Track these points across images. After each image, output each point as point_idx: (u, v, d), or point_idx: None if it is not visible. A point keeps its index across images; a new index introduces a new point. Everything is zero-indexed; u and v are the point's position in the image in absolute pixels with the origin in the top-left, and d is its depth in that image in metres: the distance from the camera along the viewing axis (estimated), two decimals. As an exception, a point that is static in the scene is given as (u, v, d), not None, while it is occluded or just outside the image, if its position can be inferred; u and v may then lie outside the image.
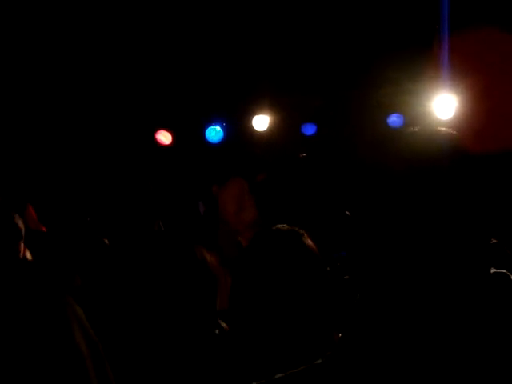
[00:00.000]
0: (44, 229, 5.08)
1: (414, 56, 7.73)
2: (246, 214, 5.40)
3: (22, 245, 2.67)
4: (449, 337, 1.12)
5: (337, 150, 8.38)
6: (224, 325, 2.18)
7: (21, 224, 2.52)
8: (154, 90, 8.53)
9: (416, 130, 1.29)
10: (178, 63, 8.50)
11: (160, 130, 8.71)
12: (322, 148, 8.50)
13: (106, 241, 3.28)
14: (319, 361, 1.19)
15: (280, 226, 2.07)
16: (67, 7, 7.87)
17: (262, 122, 8.54)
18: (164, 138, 8.74)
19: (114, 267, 2.42)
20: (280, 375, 1.21)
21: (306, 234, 2.02)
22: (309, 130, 8.71)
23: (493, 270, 1.19)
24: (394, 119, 8.14)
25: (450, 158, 1.21)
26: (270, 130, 8.56)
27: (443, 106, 7.71)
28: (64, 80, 8.12)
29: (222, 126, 8.66)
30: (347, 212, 4.54)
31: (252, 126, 8.56)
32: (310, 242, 2.00)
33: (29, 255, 2.52)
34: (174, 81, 8.52)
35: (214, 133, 8.67)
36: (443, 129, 1.30)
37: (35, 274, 1.61)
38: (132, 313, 2.04)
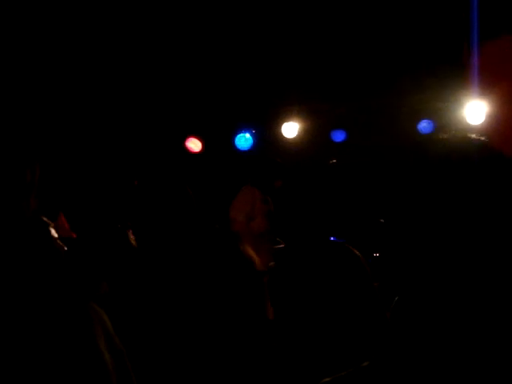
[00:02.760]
0: (75, 236, 5.14)
1: (444, 63, 7.71)
2: (255, 223, 5.37)
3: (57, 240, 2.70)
4: (485, 341, 1.13)
5: (366, 157, 8.36)
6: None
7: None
8: (184, 98, 8.58)
9: (446, 136, 1.30)
10: (210, 72, 8.55)
11: (190, 137, 8.77)
12: (351, 155, 8.49)
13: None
14: (365, 363, 1.21)
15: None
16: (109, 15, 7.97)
17: (291, 129, 8.54)
18: (194, 145, 8.79)
19: (154, 271, 2.44)
20: (327, 379, 1.22)
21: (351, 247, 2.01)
22: (338, 136, 8.70)
23: None
24: (424, 125, 8.10)
25: (480, 165, 1.23)
26: (300, 137, 8.56)
27: (474, 112, 7.67)
28: (97, 89, 8.21)
29: (251, 134, 8.68)
30: (381, 220, 4.55)
31: (281, 133, 8.57)
32: (358, 253, 1.99)
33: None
34: (204, 89, 8.58)
35: (244, 140, 8.69)
36: (473, 135, 1.31)
37: (63, 276, 1.63)
38: (175, 315, 2.05)
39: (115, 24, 8.09)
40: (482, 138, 1.29)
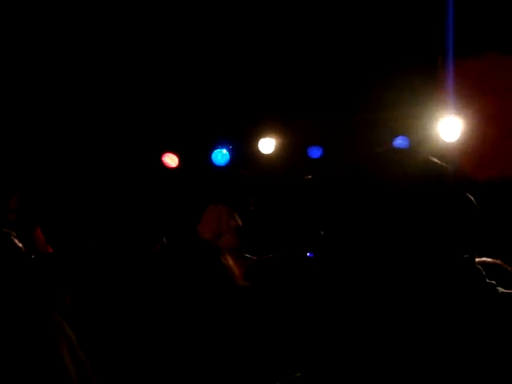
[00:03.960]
0: (51, 250, 5.09)
1: (419, 78, 7.76)
2: (224, 239, 5.38)
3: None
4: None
5: (342, 173, 8.38)
6: None
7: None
8: (160, 112, 8.57)
9: (381, 151, 1.31)
10: (185, 86, 8.55)
11: (167, 152, 8.74)
12: (327, 171, 8.51)
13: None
14: (297, 374, 1.20)
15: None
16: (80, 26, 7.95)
17: (268, 145, 8.55)
18: (170, 160, 8.77)
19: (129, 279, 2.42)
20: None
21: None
22: (315, 153, 8.72)
23: (500, 290, 1.20)
24: (399, 142, 8.14)
25: (452, 179, 1.23)
26: (276, 153, 8.57)
27: (449, 129, 7.71)
28: (72, 98, 8.18)
29: (228, 149, 8.68)
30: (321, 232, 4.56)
31: (258, 148, 8.58)
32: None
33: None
34: (180, 104, 8.57)
35: (221, 156, 8.69)
36: (434, 159, 1.31)
37: (26, 287, 1.60)
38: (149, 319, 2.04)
39: (91, 39, 8.09)
40: (443, 164, 1.28)
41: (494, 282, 1.19)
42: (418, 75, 7.70)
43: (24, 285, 1.66)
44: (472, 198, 1.26)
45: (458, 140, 7.60)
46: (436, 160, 1.31)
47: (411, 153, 1.31)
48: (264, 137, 8.54)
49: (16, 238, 3.57)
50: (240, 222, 5.61)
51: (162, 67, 8.48)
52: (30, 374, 1.46)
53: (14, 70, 7.76)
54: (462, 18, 7.84)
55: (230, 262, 2.28)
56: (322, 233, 4.44)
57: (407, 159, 1.30)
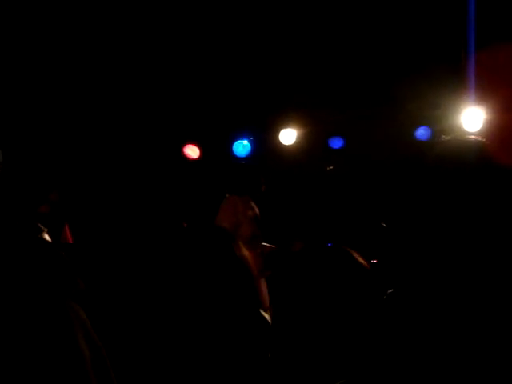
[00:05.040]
0: (71, 241, 5.14)
1: (441, 69, 7.73)
2: (242, 229, 5.43)
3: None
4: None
5: (364, 164, 8.37)
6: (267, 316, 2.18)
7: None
8: (182, 104, 8.59)
9: (448, 139, 1.31)
10: (207, 79, 8.56)
11: (188, 144, 8.77)
12: (349, 161, 8.51)
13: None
14: (341, 381, 1.21)
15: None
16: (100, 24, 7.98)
17: (289, 136, 8.55)
18: (192, 152, 8.79)
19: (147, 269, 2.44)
20: None
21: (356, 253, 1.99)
22: (336, 143, 8.71)
23: None
24: (421, 132, 8.12)
25: (477, 167, 1.24)
26: (297, 144, 8.57)
27: (471, 118, 7.68)
28: (95, 96, 8.22)
29: (249, 140, 8.69)
30: (383, 224, 4.55)
31: (279, 139, 8.58)
32: (362, 260, 1.97)
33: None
34: (202, 96, 8.59)
35: (242, 147, 8.70)
36: (472, 137, 1.32)
37: (40, 275, 1.63)
38: (166, 312, 2.05)
39: (111, 30, 8.11)
40: (481, 140, 1.30)
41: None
42: (441, 66, 7.67)
43: (42, 271, 1.68)
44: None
45: (480, 130, 7.57)
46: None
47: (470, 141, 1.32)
48: (285, 128, 8.53)
49: (47, 233, 3.63)
50: (258, 212, 5.66)
51: (185, 60, 8.49)
52: (47, 360, 1.48)
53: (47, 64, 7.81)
54: (484, 9, 7.79)
55: (244, 251, 2.28)
56: (383, 225, 4.44)
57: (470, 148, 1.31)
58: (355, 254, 1.96)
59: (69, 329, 1.49)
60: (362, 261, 1.95)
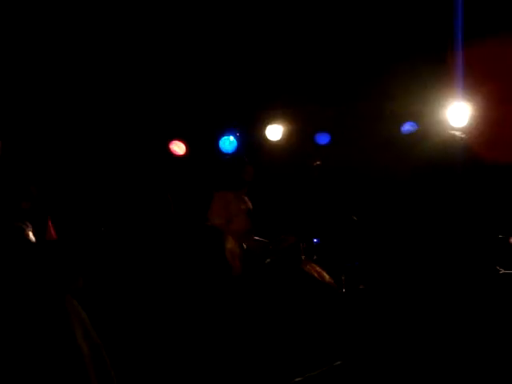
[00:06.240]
0: (55, 237, 5.11)
1: (427, 65, 7.74)
2: (235, 224, 5.44)
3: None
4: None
5: (350, 159, 8.38)
6: None
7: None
8: (168, 101, 8.57)
9: (429, 135, 1.31)
10: (193, 74, 8.54)
11: (174, 140, 8.74)
12: (335, 157, 8.50)
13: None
14: (338, 363, 1.21)
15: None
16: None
17: (275, 132, 8.55)
18: (178, 148, 8.77)
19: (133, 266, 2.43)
20: (299, 379, 1.22)
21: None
22: (322, 139, 8.71)
23: (501, 271, 1.21)
24: (407, 128, 8.12)
25: (463, 161, 1.23)
26: (284, 140, 8.57)
27: (457, 114, 7.68)
28: (82, 93, 8.20)
29: (235, 136, 8.68)
30: (354, 217, 4.57)
31: (266, 135, 8.58)
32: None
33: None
34: (188, 92, 8.56)
35: (228, 143, 8.68)
36: (458, 133, 1.31)
37: (39, 272, 1.62)
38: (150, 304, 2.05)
39: (97, 27, 8.08)
40: (466, 135, 1.29)
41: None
42: (426, 62, 7.68)
43: (35, 273, 1.68)
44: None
45: (466, 125, 7.58)
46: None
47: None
48: (271, 123, 8.53)
49: (30, 229, 3.60)
50: (250, 206, 5.66)
51: (170, 56, 8.46)
52: (46, 356, 1.48)
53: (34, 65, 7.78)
54: (470, 4, 7.80)
55: (232, 245, 2.28)
56: (354, 218, 4.46)
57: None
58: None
59: (68, 325, 1.50)
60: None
